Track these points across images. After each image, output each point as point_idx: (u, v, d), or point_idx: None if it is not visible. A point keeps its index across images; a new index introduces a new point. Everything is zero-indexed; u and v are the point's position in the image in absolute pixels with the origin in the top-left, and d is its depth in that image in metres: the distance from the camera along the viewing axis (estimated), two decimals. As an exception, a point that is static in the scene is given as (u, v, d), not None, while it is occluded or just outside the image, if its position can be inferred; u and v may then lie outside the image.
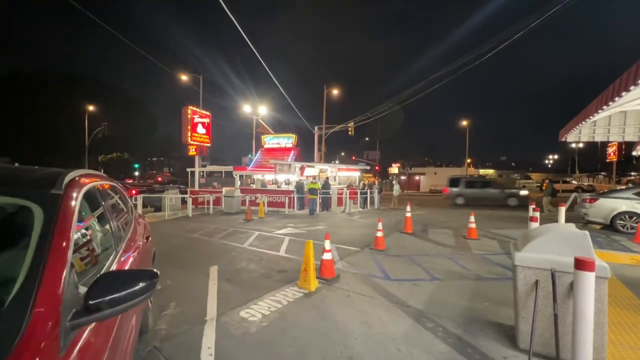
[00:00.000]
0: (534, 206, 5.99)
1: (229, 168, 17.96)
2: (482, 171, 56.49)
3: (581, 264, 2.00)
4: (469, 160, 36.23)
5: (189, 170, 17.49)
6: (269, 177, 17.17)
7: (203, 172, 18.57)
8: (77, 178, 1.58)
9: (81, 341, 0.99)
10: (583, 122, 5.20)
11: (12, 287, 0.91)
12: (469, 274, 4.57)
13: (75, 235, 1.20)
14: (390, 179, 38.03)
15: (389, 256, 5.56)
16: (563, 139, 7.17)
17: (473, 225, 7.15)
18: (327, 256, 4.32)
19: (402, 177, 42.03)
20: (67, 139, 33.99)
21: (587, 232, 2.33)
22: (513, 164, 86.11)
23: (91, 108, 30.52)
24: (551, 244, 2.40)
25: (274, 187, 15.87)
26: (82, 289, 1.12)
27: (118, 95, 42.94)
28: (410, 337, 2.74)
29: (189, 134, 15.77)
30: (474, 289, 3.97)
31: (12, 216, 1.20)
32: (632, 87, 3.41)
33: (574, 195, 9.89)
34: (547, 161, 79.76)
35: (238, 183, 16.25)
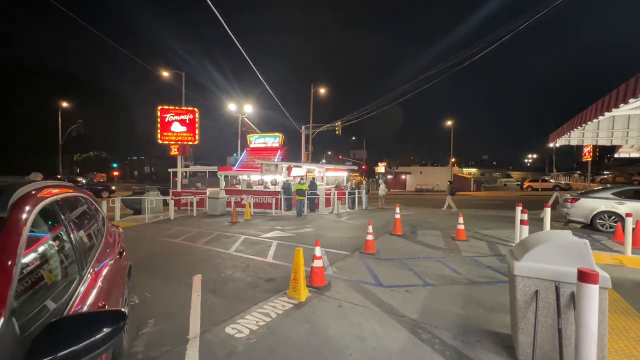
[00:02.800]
0: (521, 207, 6.06)
1: (214, 168, 17.45)
2: (465, 170, 58.00)
3: (585, 276, 1.93)
4: (453, 160, 36.98)
5: (170, 170, 16.86)
6: (255, 177, 16.81)
7: (186, 172, 17.96)
8: (30, 192, 1.34)
9: None
10: (576, 128, 5.28)
11: None
12: (461, 278, 4.52)
13: (20, 270, 0.98)
14: (377, 178, 38.33)
15: (379, 260, 5.46)
16: (553, 143, 7.33)
17: (462, 227, 7.18)
18: (317, 263, 4.15)
19: (389, 176, 42.45)
20: (40, 137, 32.18)
21: (587, 241, 2.28)
22: (494, 163, 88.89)
23: (65, 104, 29.01)
24: (551, 253, 2.33)
25: (260, 187, 15.54)
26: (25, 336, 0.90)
27: (96, 92, 41.05)
28: (407, 351, 2.62)
29: (160, 133, 15.25)
30: (467, 294, 3.91)
31: None
32: (631, 100, 3.45)
33: (555, 194, 10.18)
34: (526, 160, 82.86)
35: (223, 184, 15.80)
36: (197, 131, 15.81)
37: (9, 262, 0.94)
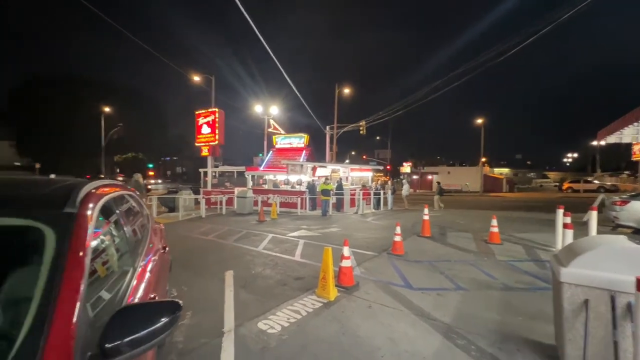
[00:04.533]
0: (563, 210, 5.66)
1: (241, 168, 18.01)
2: (496, 170, 55.13)
3: (645, 286, 1.77)
4: (483, 159, 35.28)
5: (201, 170, 17.61)
6: (280, 177, 17.10)
7: (215, 172, 18.66)
8: (92, 191, 1.46)
9: None
10: (631, 125, 4.82)
11: (17, 332, 0.79)
12: (496, 283, 4.31)
13: (89, 259, 1.07)
14: (401, 178, 37.50)
15: (408, 262, 5.34)
16: (602, 141, 6.76)
17: (495, 229, 6.84)
18: (346, 263, 4.15)
19: (415, 177, 41.40)
20: (85, 140, 34.89)
21: (646, 247, 2.09)
22: (528, 162, 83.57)
23: (107, 109, 31.28)
24: (604, 259, 2.16)
25: (286, 187, 15.79)
26: (93, 316, 0.99)
27: (133, 97, 43.76)
28: (441, 356, 2.54)
29: (212, 134, 15.95)
30: (504, 300, 3.73)
31: (20, 240, 1.08)
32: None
33: (601, 196, 9.38)
34: (565, 159, 77.10)
35: (250, 183, 16.25)
36: (217, 131, 16.18)
37: (81, 254, 1.04)
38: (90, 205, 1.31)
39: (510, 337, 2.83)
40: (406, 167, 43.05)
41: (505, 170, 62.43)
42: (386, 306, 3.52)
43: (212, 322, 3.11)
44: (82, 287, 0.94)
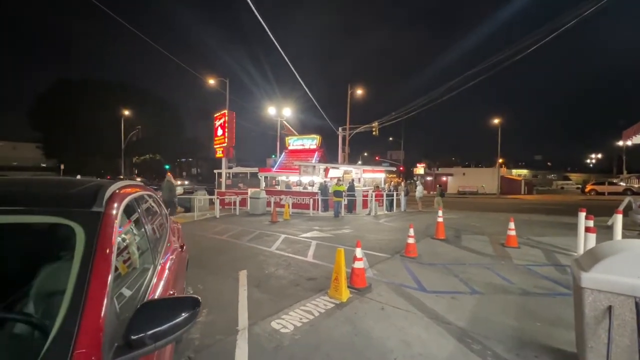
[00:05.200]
0: (585, 213, 5.44)
1: (254, 169, 18.23)
2: (514, 171, 53.49)
3: (674, 293, 1.69)
4: (500, 160, 34.30)
5: (216, 171, 17.97)
6: (293, 178, 17.22)
7: (229, 173, 18.99)
8: (117, 191, 1.53)
9: None
10: None
11: (51, 321, 0.84)
12: (513, 287, 4.20)
13: (115, 256, 1.14)
14: (415, 180, 36.96)
15: (422, 264, 5.27)
16: (628, 141, 6.47)
17: (513, 232, 6.64)
18: (358, 264, 4.14)
19: (428, 178, 40.72)
20: (106, 142, 36.28)
21: (675, 253, 1.99)
22: (549, 163, 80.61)
23: (127, 112, 32.44)
24: (629, 264, 2.07)
25: (298, 188, 15.89)
26: (119, 310, 1.04)
27: (150, 100, 45.17)
28: (456, 360, 2.51)
29: (224, 136, 16.28)
30: (521, 305, 3.62)
31: (52, 236, 1.16)
32: None
33: (627, 199, 8.95)
34: (588, 160, 73.91)
35: (263, 184, 16.43)
36: (226, 133, 16.56)
37: (108, 250, 1.10)
38: (115, 204, 1.38)
39: (528, 344, 2.76)
40: (420, 169, 42.37)
41: (524, 171, 60.51)
42: (399, 308, 3.50)
43: (226, 320, 3.18)
44: (109, 282, 1.00)
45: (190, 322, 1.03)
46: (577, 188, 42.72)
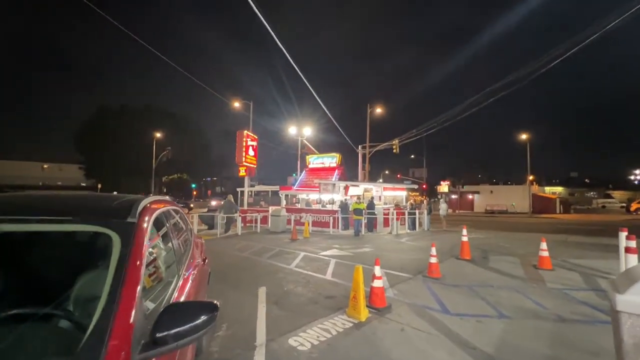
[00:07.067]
0: (626, 233, 5.03)
1: (275, 188, 18.60)
2: (548, 189, 50.42)
3: None
4: (531, 177, 32.60)
5: (238, 189, 18.53)
6: (313, 196, 17.35)
7: (251, 191, 19.51)
8: (148, 205, 1.69)
9: None
10: None
11: (89, 317, 0.96)
12: (547, 312, 3.91)
13: (146, 262, 1.25)
14: (438, 198, 35.82)
15: (445, 286, 5.06)
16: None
17: (545, 253, 6.23)
18: (377, 283, 4.06)
19: (453, 196, 39.36)
20: (139, 162, 38.79)
21: None
22: (587, 180, 75.30)
23: (158, 135, 34.72)
24: (670, 287, 1.91)
25: (318, 206, 15.95)
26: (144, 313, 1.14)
27: (180, 122, 48.10)
28: (481, 388, 2.36)
29: (243, 156, 16.90)
30: (555, 332, 3.36)
31: (93, 242, 1.31)
32: None
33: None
34: (632, 177, 68.26)
35: (284, 202, 16.68)
36: (246, 153, 17.56)
37: (139, 257, 1.22)
38: (146, 217, 1.53)
39: (563, 374, 2.55)
40: (444, 186, 41.13)
41: (559, 189, 56.91)
42: (421, 330, 3.36)
43: (245, 335, 3.21)
44: (140, 285, 1.11)
45: (209, 324, 1.11)
46: (622, 207, 39.35)
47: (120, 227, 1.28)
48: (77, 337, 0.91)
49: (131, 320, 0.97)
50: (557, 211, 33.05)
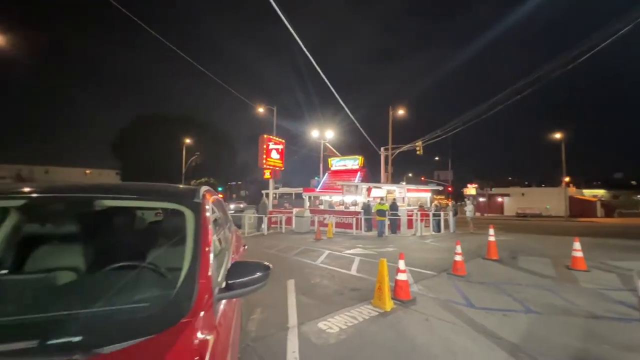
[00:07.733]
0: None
1: (299, 190, 19.05)
2: (586, 192, 47.07)
3: None
4: (567, 179, 30.69)
5: (263, 192, 19.16)
6: (336, 198, 17.57)
7: (276, 194, 20.07)
8: (205, 191, 2.02)
9: (221, 311, 1.28)
10: None
11: (180, 268, 1.26)
12: (578, 309, 3.85)
13: (212, 231, 1.56)
14: (465, 201, 34.64)
15: (470, 283, 5.07)
16: None
17: (579, 254, 6.01)
18: (401, 277, 4.21)
19: (481, 199, 37.91)
20: (170, 167, 41.10)
21: None
22: (633, 182, 69.27)
23: (188, 141, 36.64)
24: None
25: (341, 208, 16.12)
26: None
27: (208, 129, 50.40)
28: (504, 370, 2.46)
29: (265, 159, 17.48)
30: (586, 327, 3.33)
31: (172, 217, 1.64)
32: None
33: None
34: (686, 178, 61.89)
35: (307, 204, 17.03)
36: (268, 154, 17.97)
37: (208, 226, 1.53)
38: (207, 199, 1.85)
39: (591, 364, 2.57)
40: (471, 189, 39.66)
41: (600, 191, 52.84)
42: (444, 320, 3.47)
43: (278, 319, 3.49)
44: (212, 246, 1.41)
45: (265, 279, 1.39)
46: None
47: (191, 205, 1.59)
48: (175, 279, 1.20)
49: (210, 268, 1.26)
50: (598, 215, 30.87)
